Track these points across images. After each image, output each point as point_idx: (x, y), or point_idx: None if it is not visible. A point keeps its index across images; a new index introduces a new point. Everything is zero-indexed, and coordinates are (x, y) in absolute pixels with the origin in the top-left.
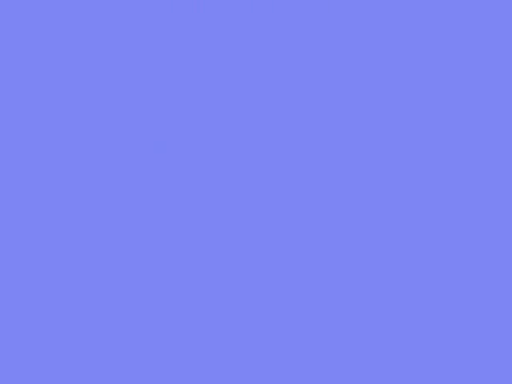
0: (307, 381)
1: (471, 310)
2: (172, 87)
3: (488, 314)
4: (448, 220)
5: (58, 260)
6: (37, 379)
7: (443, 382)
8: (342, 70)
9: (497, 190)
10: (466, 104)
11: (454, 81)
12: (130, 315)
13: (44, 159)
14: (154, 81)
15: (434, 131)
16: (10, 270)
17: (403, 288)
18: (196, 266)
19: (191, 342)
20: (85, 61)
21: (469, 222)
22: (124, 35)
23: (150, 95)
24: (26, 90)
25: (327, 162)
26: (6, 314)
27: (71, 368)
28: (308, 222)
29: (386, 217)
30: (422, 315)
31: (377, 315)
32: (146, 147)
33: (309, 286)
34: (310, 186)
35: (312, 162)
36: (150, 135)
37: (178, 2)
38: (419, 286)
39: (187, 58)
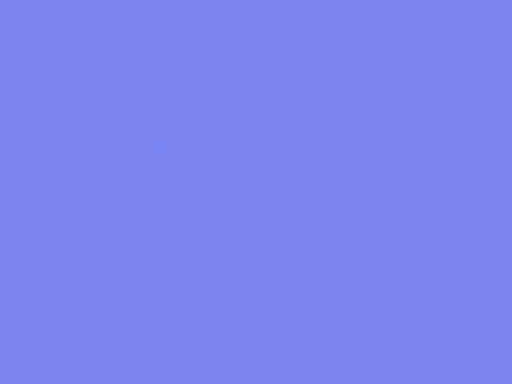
0: (307, 381)
1: (471, 310)
2: (172, 87)
3: (488, 314)
4: (448, 220)
5: (58, 260)
6: (37, 379)
7: (443, 382)
8: (342, 70)
9: (497, 190)
10: (466, 104)
11: (454, 81)
12: (130, 315)
13: (44, 159)
14: (154, 81)
15: (434, 131)
16: (10, 269)
17: (403, 288)
18: (196, 265)
19: (191, 342)
20: (85, 61)
21: (469, 222)
22: (124, 35)
23: (150, 95)
24: (25, 90)
25: (327, 162)
26: (6, 314)
27: (71, 368)
28: (308, 222)
29: (385, 217)
30: (422, 315)
31: (377, 315)
32: (146, 147)
33: (309, 285)
34: (310, 186)
35: (312, 162)
36: (150, 135)
37: (178, 2)
38: (419, 286)
39: (187, 58)
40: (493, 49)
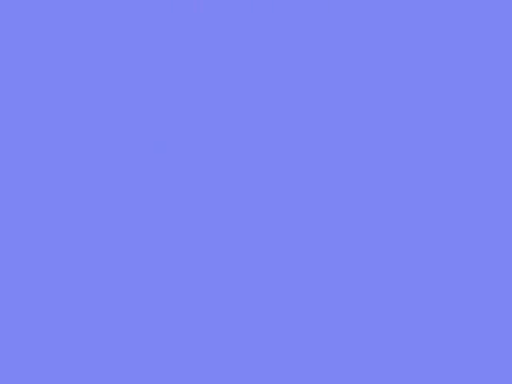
0: (307, 381)
1: (471, 310)
2: (172, 87)
3: (488, 314)
4: (448, 220)
5: (58, 260)
6: (37, 379)
7: (443, 382)
8: (342, 70)
9: (497, 190)
10: (466, 104)
11: (454, 81)
12: (130, 315)
13: (44, 159)
14: (154, 81)
15: (434, 131)
16: (10, 269)
17: (403, 288)
18: (196, 265)
19: (191, 342)
20: (85, 61)
21: (469, 222)
22: (124, 35)
23: (150, 95)
24: (25, 90)
25: (327, 162)
26: (6, 314)
27: (71, 368)
28: (308, 222)
29: (386, 217)
30: (422, 315)
31: (377, 315)
32: (146, 147)
33: (309, 285)
34: (310, 186)
35: (312, 162)
36: (150, 135)
37: (178, 2)
38: (419, 286)
39: (187, 58)
40: (493, 49)
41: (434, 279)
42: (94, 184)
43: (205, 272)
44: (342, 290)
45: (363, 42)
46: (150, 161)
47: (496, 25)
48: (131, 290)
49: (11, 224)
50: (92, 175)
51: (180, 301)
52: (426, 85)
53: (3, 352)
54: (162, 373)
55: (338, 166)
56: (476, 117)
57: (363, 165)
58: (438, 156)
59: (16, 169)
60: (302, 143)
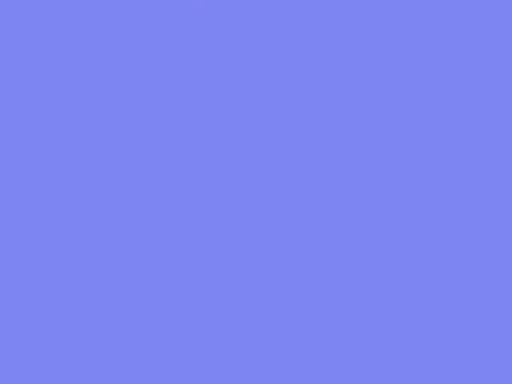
0: (307, 381)
1: (471, 310)
2: (172, 87)
3: (488, 314)
4: (448, 220)
5: (58, 260)
6: (37, 379)
7: (443, 382)
8: (342, 70)
9: (497, 190)
10: (466, 104)
11: (454, 81)
12: (130, 315)
13: (44, 159)
14: (153, 81)
15: (434, 131)
16: (10, 269)
17: (403, 288)
18: (196, 265)
19: (191, 342)
20: (85, 61)
21: (469, 222)
22: (124, 35)
23: (150, 95)
24: (25, 90)
25: (327, 162)
26: (6, 314)
27: (71, 368)
28: (308, 222)
29: (386, 217)
30: (422, 315)
31: (377, 315)
32: (146, 147)
33: (309, 286)
34: (310, 186)
35: (312, 162)
36: (150, 135)
37: (178, 2)
38: (419, 286)
39: (187, 58)
40: (493, 49)
41: (434, 279)
42: (94, 184)
43: (205, 272)
44: (342, 290)
45: (363, 42)
46: (150, 161)
47: (496, 25)
48: (131, 290)
49: (11, 224)
50: (92, 175)
51: (180, 300)
52: (426, 85)
53: (3, 352)
54: (162, 373)
55: (338, 165)
56: (476, 117)
57: (363, 165)
58: (438, 156)
59: (16, 169)
60: (301, 143)
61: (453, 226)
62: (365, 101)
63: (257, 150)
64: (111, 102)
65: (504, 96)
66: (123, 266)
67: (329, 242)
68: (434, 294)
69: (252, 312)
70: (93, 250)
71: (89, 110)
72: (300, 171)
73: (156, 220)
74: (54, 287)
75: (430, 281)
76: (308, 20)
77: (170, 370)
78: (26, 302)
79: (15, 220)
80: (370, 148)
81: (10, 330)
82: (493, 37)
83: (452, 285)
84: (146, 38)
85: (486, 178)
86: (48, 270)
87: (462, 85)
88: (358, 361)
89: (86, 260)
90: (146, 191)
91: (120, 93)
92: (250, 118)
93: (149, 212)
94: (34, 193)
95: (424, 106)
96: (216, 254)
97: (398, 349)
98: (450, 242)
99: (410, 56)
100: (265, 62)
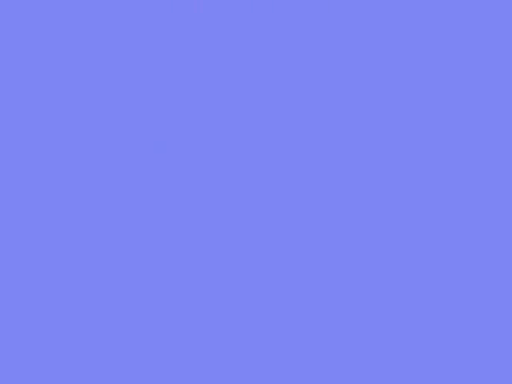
0: (307, 381)
1: (471, 310)
2: (172, 87)
3: (488, 314)
4: (448, 220)
5: (58, 260)
6: (37, 379)
7: (443, 382)
8: (342, 70)
9: (497, 190)
10: (466, 104)
11: (454, 81)
12: (130, 315)
13: (44, 159)
14: (153, 81)
15: (434, 131)
16: (10, 269)
17: (403, 288)
18: (196, 266)
19: (191, 342)
20: (85, 61)
21: (469, 222)
22: (124, 35)
23: (150, 95)
24: (25, 90)
25: (327, 162)
26: (6, 314)
27: (71, 368)
28: (308, 223)
29: (386, 217)
30: (422, 315)
31: (377, 315)
32: (146, 147)
33: (309, 286)
34: (309, 186)
35: (312, 162)
36: (150, 135)
37: (178, 2)
38: (419, 286)
39: (187, 58)
40: (493, 49)
41: (434, 279)
42: (94, 184)
43: (205, 272)
44: (342, 290)
45: (363, 42)
46: (150, 160)
47: (496, 25)
48: (131, 290)
49: (11, 224)
50: (92, 175)
51: (180, 300)
52: (426, 85)
53: (3, 352)
54: (162, 373)
55: (338, 165)
56: (476, 116)
57: (363, 164)
58: (438, 156)
59: (16, 169)
60: (301, 143)
61: (453, 225)
62: (365, 101)
63: (257, 150)
64: (111, 102)
65: (504, 96)
66: (123, 265)
67: (329, 242)
68: (434, 293)
69: (252, 312)
70: (93, 249)
71: (89, 110)
72: (300, 171)
73: (156, 220)
74: (54, 287)
75: (430, 281)
76: (308, 20)
77: (170, 370)
78: (26, 302)
79: (15, 220)
80: (370, 148)
81: (9, 329)
82: (493, 37)
83: (452, 285)
84: (146, 37)
85: (486, 178)
86: (48, 270)
87: (461, 85)
88: (358, 361)
89: (85, 260)
90: (146, 191)
91: (120, 93)
92: (250, 118)
93: (149, 212)
94: (34, 193)
95: (424, 106)
96: (216, 254)
97: (398, 349)
98: (450, 242)
99: (410, 56)
100: (265, 62)
